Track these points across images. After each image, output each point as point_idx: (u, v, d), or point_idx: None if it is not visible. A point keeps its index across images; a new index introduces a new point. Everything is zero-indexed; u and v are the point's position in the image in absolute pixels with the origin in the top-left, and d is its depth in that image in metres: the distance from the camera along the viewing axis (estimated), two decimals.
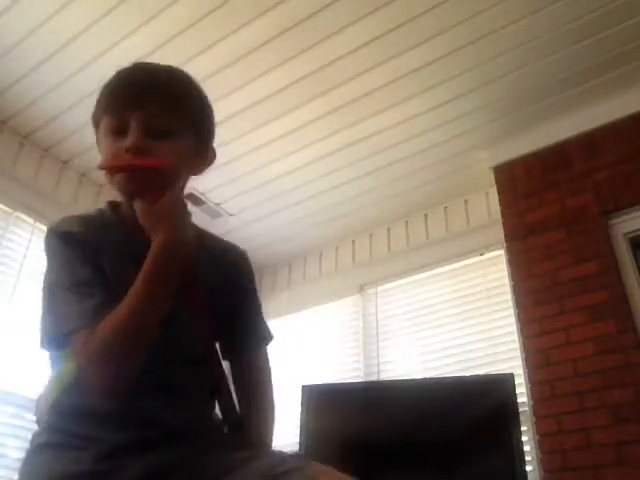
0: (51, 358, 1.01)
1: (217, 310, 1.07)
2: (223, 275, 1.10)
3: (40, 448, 0.99)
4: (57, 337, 0.90)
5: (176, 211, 0.94)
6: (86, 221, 1.01)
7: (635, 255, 2.54)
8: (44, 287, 0.95)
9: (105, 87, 1.07)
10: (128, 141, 0.93)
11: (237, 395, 1.10)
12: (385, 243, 3.63)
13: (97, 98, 1.08)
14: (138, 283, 0.88)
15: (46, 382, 1.08)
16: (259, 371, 1.14)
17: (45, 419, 1.01)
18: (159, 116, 0.96)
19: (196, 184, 3.41)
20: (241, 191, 3.46)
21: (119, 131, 0.97)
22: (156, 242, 0.90)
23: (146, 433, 0.93)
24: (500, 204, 2.98)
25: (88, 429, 0.94)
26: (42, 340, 0.92)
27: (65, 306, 0.90)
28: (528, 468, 2.30)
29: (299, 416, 2.61)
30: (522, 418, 2.37)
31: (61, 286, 0.92)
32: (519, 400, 2.39)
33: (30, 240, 2.98)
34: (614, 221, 2.61)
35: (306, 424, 2.58)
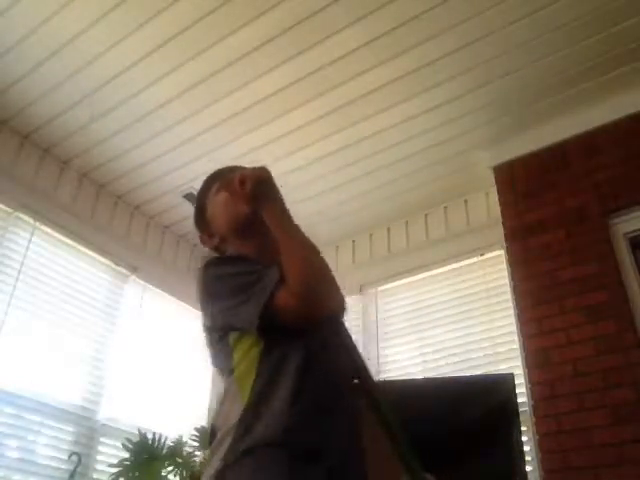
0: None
1: None
2: None
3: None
4: (260, 309, 1.08)
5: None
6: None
7: (635, 255, 2.54)
8: (228, 293, 1.16)
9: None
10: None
11: None
12: (385, 243, 3.63)
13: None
14: (280, 229, 1.19)
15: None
16: None
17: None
18: None
19: (196, 184, 3.41)
20: None
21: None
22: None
23: None
24: (500, 204, 2.98)
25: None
26: (251, 322, 1.09)
27: (253, 287, 1.12)
28: (528, 468, 2.30)
29: None
30: (522, 418, 2.37)
31: (241, 284, 1.15)
32: (519, 400, 2.39)
33: (30, 240, 2.99)
34: (614, 221, 2.61)
35: None
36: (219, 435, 1.09)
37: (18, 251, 2.93)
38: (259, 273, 1.14)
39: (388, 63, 2.66)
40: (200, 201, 1.40)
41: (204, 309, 1.21)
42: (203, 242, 1.38)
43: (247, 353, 1.12)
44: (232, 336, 1.15)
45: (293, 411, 1.05)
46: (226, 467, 1.02)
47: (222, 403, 1.15)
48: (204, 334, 1.24)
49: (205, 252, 1.41)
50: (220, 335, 1.18)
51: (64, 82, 2.80)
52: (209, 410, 3.62)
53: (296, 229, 1.19)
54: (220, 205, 1.33)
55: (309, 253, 1.14)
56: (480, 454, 2.21)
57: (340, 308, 1.24)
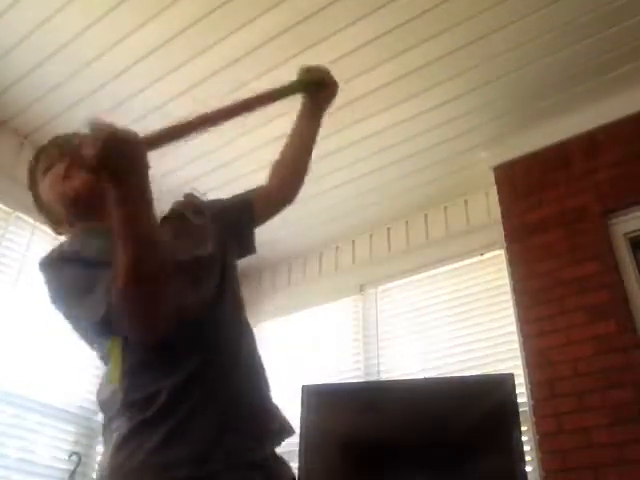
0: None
1: None
2: None
3: None
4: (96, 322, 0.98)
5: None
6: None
7: (635, 255, 2.54)
8: (64, 302, 1.10)
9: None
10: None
11: None
12: (385, 243, 3.63)
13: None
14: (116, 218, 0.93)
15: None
16: None
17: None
18: None
19: (196, 184, 3.41)
20: (241, 191, 3.45)
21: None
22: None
23: None
24: (500, 204, 2.98)
25: None
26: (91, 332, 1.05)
27: (87, 301, 1.01)
28: (528, 468, 2.30)
29: (299, 416, 2.61)
30: (522, 418, 2.37)
31: (75, 292, 1.06)
32: (519, 400, 2.39)
33: (30, 240, 2.99)
34: (614, 221, 2.61)
35: (306, 424, 2.57)
36: None
37: (18, 251, 2.93)
38: (93, 282, 1.01)
39: (387, 63, 2.66)
40: (34, 194, 1.28)
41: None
42: (56, 232, 1.31)
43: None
44: None
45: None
46: None
47: None
48: None
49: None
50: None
51: (64, 82, 2.80)
52: None
53: (130, 221, 0.92)
54: (50, 190, 1.22)
55: (133, 258, 0.91)
56: (480, 454, 2.21)
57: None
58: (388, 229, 3.66)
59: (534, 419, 2.42)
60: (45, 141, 1.33)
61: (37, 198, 1.28)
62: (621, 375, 2.26)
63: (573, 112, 2.85)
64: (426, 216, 3.54)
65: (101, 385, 1.14)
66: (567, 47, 2.57)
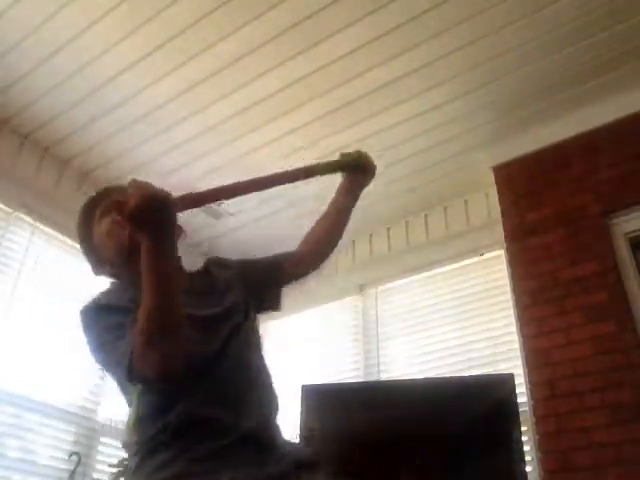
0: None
1: None
2: None
3: None
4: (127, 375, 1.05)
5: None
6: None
7: (635, 255, 2.54)
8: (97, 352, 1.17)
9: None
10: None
11: None
12: (385, 243, 3.63)
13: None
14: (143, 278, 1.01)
15: None
16: None
17: None
18: None
19: (196, 184, 3.41)
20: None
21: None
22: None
23: None
24: (500, 204, 2.98)
25: None
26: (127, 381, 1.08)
27: (115, 352, 1.08)
28: (528, 468, 2.30)
29: (299, 416, 2.61)
30: (522, 418, 2.37)
31: (106, 341, 1.12)
32: (519, 400, 2.39)
33: (30, 240, 2.99)
34: (614, 221, 2.61)
35: (306, 424, 2.58)
36: None
37: (18, 251, 2.93)
38: (122, 330, 1.08)
39: (387, 63, 2.66)
40: (83, 233, 1.37)
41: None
42: (95, 271, 1.38)
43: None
44: None
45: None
46: None
47: None
48: None
49: None
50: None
51: (64, 82, 2.80)
52: None
53: (156, 274, 1.00)
54: (103, 233, 1.31)
55: (154, 306, 0.99)
56: (480, 454, 2.21)
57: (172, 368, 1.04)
58: (388, 229, 3.66)
59: (534, 419, 2.42)
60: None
61: (87, 237, 1.36)
62: (621, 375, 2.26)
63: (573, 112, 2.85)
64: (426, 216, 3.54)
65: (125, 429, 1.26)
66: (567, 47, 2.57)
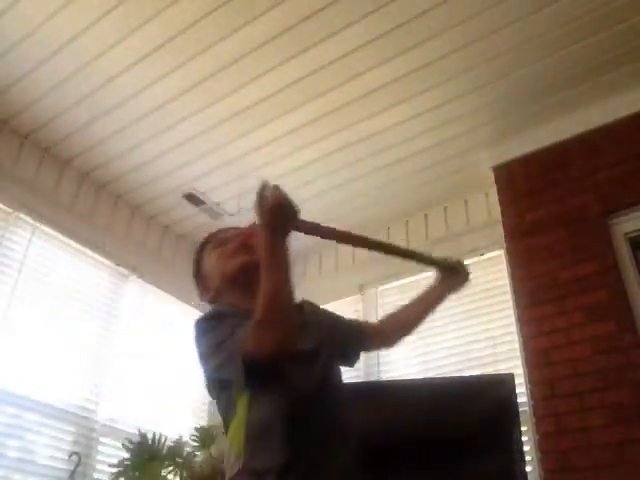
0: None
1: None
2: None
3: None
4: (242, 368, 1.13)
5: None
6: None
7: (635, 255, 2.54)
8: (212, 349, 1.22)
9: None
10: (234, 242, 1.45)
11: None
12: None
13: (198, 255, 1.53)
14: (262, 264, 1.15)
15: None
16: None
17: None
18: None
19: (196, 184, 3.42)
20: (241, 191, 3.46)
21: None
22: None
23: None
24: (500, 204, 2.98)
25: None
26: (239, 380, 1.16)
27: (228, 345, 1.17)
28: (528, 468, 2.30)
29: None
30: (522, 418, 2.37)
31: (221, 343, 1.20)
32: (519, 400, 2.39)
33: (30, 240, 2.99)
34: (614, 221, 2.61)
35: None
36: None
37: (18, 251, 2.93)
38: (233, 328, 1.19)
39: (388, 63, 2.66)
40: (197, 261, 1.52)
41: (200, 365, 1.29)
42: (200, 297, 1.49)
43: (240, 406, 1.21)
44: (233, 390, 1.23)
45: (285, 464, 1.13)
46: None
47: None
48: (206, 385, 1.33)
49: None
50: (220, 387, 1.27)
51: (64, 82, 2.80)
52: (209, 410, 3.62)
53: (277, 263, 1.16)
54: (213, 262, 1.45)
55: (274, 289, 1.14)
56: (480, 454, 2.21)
57: (289, 345, 1.18)
58: (388, 229, 3.66)
59: (534, 419, 2.42)
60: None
61: (199, 265, 1.50)
62: (621, 375, 2.26)
63: (573, 112, 2.85)
64: (426, 216, 3.54)
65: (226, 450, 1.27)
66: (567, 47, 2.57)
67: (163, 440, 2.85)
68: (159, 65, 2.70)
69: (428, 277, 3.31)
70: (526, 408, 2.50)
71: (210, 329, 1.25)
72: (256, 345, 1.11)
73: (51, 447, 2.80)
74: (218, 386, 1.27)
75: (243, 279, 1.37)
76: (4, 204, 2.93)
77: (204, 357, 1.25)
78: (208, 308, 1.40)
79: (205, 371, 1.28)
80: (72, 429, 2.90)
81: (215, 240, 1.50)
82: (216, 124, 3.00)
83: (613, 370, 2.28)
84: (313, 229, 1.31)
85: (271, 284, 1.13)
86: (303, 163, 3.24)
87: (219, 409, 1.30)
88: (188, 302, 3.73)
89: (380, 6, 2.41)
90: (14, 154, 3.05)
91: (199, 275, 1.50)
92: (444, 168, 3.25)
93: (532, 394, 2.47)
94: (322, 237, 1.37)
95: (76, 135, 3.10)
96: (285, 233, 1.16)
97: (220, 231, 1.54)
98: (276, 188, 1.15)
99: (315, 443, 1.19)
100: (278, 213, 1.14)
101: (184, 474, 2.83)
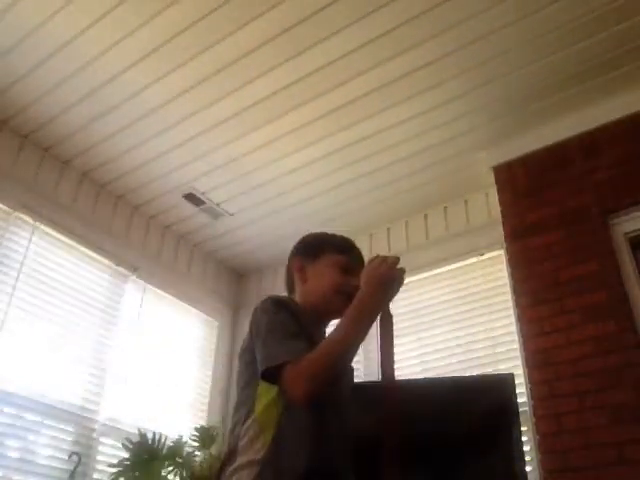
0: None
1: None
2: None
3: None
4: (271, 369, 1.17)
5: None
6: (292, 301, 1.43)
7: (635, 255, 2.54)
8: (263, 333, 1.25)
9: (341, 240, 1.60)
10: (356, 281, 1.35)
11: None
12: (385, 243, 3.63)
13: (324, 240, 1.57)
14: (350, 312, 1.24)
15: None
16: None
17: None
18: None
19: (196, 184, 3.42)
20: (241, 191, 3.46)
21: (347, 271, 1.46)
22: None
23: None
24: (500, 204, 2.98)
25: None
26: (262, 373, 1.19)
27: (280, 346, 1.20)
28: (528, 468, 2.30)
29: None
30: (522, 418, 2.37)
31: (278, 333, 1.23)
32: (519, 400, 2.39)
33: (30, 240, 2.99)
34: (614, 221, 2.61)
35: None
36: (237, 462, 1.19)
37: (18, 251, 2.93)
38: (298, 331, 1.23)
39: (387, 63, 2.66)
40: (315, 246, 1.54)
41: (249, 336, 1.32)
42: (292, 266, 1.54)
43: (271, 400, 1.22)
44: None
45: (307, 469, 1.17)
46: None
47: (236, 429, 1.25)
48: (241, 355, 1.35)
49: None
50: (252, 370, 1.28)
51: (64, 82, 2.80)
52: (209, 410, 3.62)
53: (371, 319, 1.28)
54: (328, 266, 1.47)
55: (346, 341, 1.21)
56: (480, 454, 2.21)
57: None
58: (388, 229, 3.66)
59: (534, 419, 2.42)
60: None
61: (315, 250, 1.52)
62: (621, 375, 2.26)
63: (573, 112, 2.85)
64: (426, 216, 3.54)
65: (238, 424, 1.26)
66: (567, 48, 2.57)
67: (163, 440, 2.85)
68: (159, 65, 2.70)
69: (428, 276, 3.35)
70: (526, 408, 2.50)
71: (275, 311, 1.28)
72: (291, 388, 1.14)
73: (51, 447, 2.80)
74: (249, 359, 1.28)
75: (328, 306, 1.41)
76: (4, 204, 2.93)
77: (254, 329, 1.28)
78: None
79: (248, 340, 1.30)
80: (72, 429, 2.90)
81: (346, 252, 1.52)
82: (216, 124, 3.00)
83: (613, 370, 2.28)
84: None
85: (353, 334, 1.21)
86: (303, 163, 3.24)
87: (240, 377, 1.32)
88: (187, 301, 3.74)
89: (378, 7, 2.41)
90: (14, 154, 3.05)
91: (307, 256, 1.51)
92: (444, 168, 3.25)
93: (532, 394, 2.47)
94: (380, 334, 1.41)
95: (76, 135, 3.10)
96: (389, 297, 1.30)
97: (347, 240, 1.59)
98: (396, 259, 1.28)
99: (337, 449, 1.28)
100: (394, 278, 1.29)
101: (184, 474, 2.83)
